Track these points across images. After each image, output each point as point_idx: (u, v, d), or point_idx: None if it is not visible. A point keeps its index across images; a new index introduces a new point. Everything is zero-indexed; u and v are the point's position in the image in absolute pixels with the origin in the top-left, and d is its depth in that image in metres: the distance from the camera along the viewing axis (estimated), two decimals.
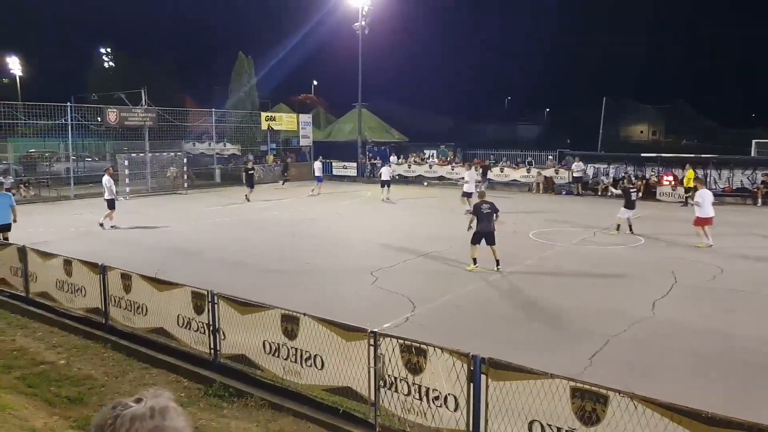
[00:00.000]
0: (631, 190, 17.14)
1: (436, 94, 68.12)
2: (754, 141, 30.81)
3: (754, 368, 7.34)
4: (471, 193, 20.69)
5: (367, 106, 41.50)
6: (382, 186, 25.01)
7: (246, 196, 23.91)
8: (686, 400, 4.38)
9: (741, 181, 24.94)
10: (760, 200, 23.60)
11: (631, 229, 16.25)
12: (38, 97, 28.80)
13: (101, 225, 17.20)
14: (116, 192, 17.90)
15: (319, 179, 28.41)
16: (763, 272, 12.23)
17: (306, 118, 38.80)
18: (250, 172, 25.14)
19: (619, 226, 16.40)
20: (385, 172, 25.58)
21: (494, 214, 11.95)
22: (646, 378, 6.85)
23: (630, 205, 16.34)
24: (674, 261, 13.04)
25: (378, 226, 18.75)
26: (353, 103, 39.44)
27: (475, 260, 12.03)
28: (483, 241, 11.94)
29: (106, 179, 17.67)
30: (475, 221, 12.19)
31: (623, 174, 26.39)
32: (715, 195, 25.03)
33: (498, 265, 11.89)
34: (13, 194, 24.37)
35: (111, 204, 17.52)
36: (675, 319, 9.11)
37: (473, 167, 24.44)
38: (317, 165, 29.34)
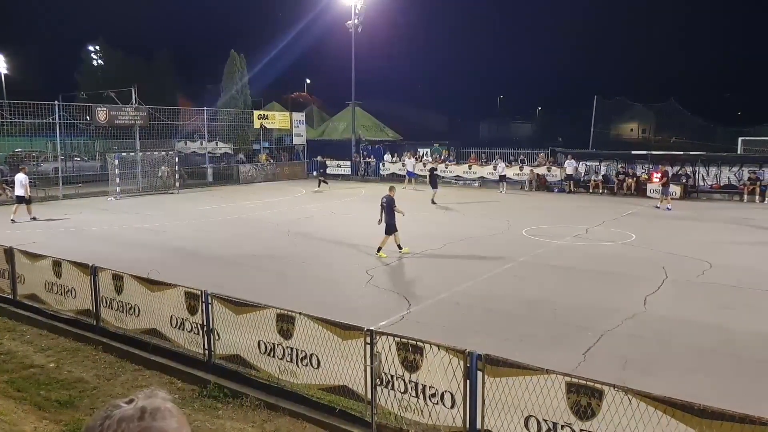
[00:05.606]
0: None
1: (430, 93, 68.07)
2: (740, 138, 31.09)
3: (746, 362, 7.40)
4: None
5: (361, 105, 41.40)
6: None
7: (432, 199, 22.87)
8: (680, 394, 4.41)
9: (728, 178, 25.22)
10: (746, 196, 23.86)
11: None
12: (25, 95, 28.41)
13: (13, 221, 17.88)
14: (29, 192, 19.04)
15: (411, 174, 29.39)
16: (750, 267, 12.32)
17: (299, 116, 38.64)
18: (434, 173, 24.51)
19: None
20: None
21: None
22: (640, 372, 6.88)
23: None
24: (664, 257, 13.13)
25: (372, 225, 18.68)
26: (347, 101, 39.33)
27: None
28: None
29: (22, 177, 18.67)
30: None
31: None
32: (703, 192, 25.60)
33: None
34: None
35: (20, 200, 18.54)
36: (667, 314, 9.17)
37: None
38: (409, 162, 30.31)
